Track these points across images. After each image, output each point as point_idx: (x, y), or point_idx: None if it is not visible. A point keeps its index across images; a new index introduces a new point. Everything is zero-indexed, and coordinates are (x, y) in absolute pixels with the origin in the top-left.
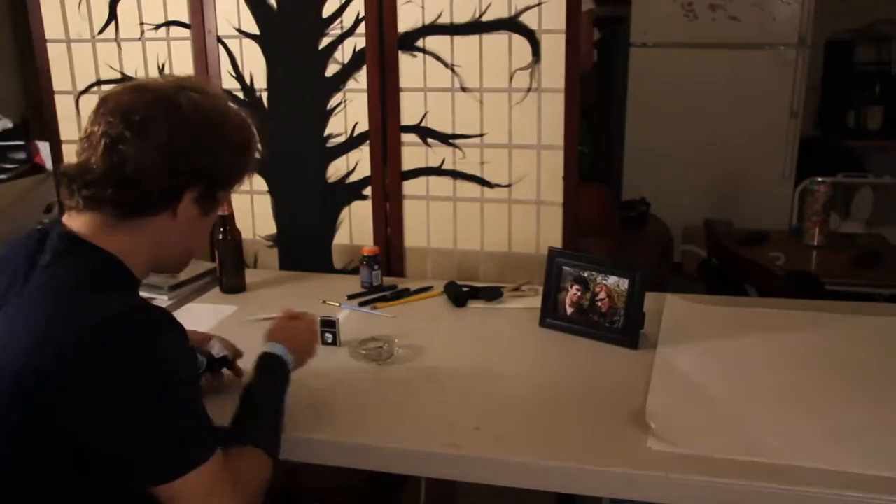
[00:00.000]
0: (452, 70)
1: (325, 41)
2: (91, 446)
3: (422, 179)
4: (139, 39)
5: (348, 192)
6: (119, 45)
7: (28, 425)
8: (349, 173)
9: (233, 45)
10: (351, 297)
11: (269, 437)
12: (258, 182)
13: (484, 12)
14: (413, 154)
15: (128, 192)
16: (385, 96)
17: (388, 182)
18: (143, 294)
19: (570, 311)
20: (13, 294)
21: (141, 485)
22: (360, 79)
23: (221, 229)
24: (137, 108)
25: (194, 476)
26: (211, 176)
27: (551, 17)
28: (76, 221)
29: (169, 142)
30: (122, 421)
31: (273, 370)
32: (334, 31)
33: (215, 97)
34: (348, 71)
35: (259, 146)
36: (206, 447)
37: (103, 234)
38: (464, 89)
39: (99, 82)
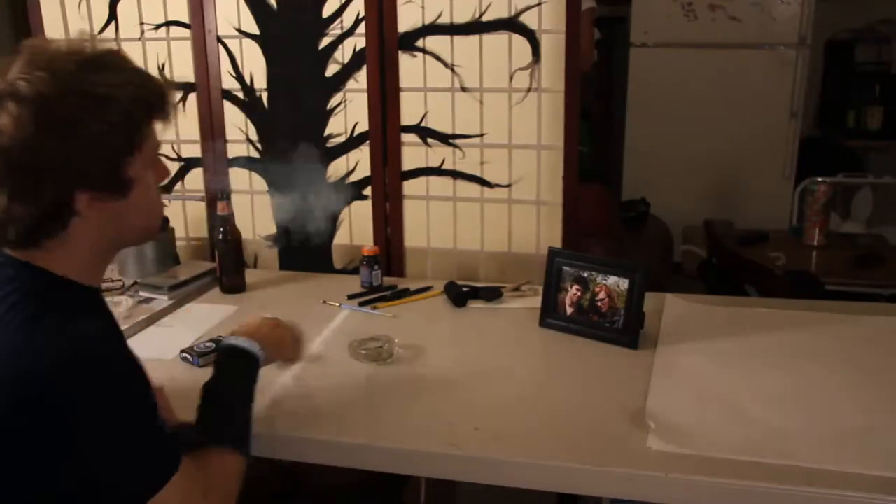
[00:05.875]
0: (452, 70)
1: (325, 41)
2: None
3: (422, 179)
4: (139, 39)
5: (348, 192)
6: (119, 45)
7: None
8: (349, 173)
9: (233, 45)
10: (351, 297)
11: (238, 435)
12: (258, 182)
13: (484, 12)
14: (413, 154)
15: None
16: (385, 96)
17: (388, 182)
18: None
19: (569, 311)
20: None
21: None
22: (360, 79)
23: (221, 229)
24: None
25: (158, 498)
26: (86, 174)
27: (551, 17)
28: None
29: (7, 153)
30: (87, 449)
31: (237, 362)
32: (334, 31)
33: (56, 68)
34: (348, 71)
35: (153, 88)
36: (167, 464)
37: (33, 254)
38: (464, 89)
39: None
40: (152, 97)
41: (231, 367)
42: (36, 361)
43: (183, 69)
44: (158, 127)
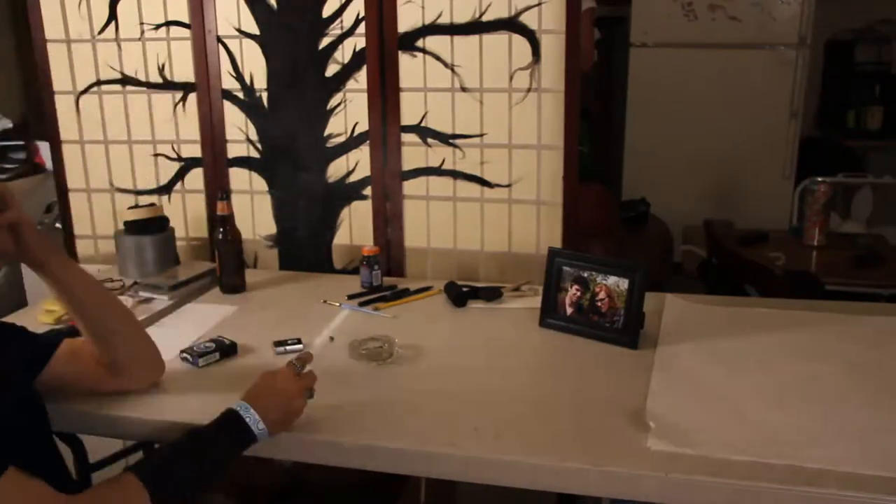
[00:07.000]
0: (452, 70)
1: (325, 41)
2: None
3: (422, 179)
4: (139, 39)
5: (348, 192)
6: (119, 45)
7: None
8: (349, 173)
9: (233, 45)
10: (351, 297)
11: (173, 491)
12: (258, 182)
13: (484, 12)
14: (413, 154)
15: None
16: (385, 96)
17: (387, 182)
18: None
19: (569, 311)
20: None
21: None
22: (360, 79)
23: (221, 229)
24: None
25: None
26: None
27: (551, 17)
28: None
29: None
30: None
31: (225, 427)
32: (334, 31)
33: None
34: (348, 71)
35: None
36: None
37: None
38: (464, 89)
39: (99, 82)
40: None
41: (222, 437)
42: None
43: (183, 69)
44: None
